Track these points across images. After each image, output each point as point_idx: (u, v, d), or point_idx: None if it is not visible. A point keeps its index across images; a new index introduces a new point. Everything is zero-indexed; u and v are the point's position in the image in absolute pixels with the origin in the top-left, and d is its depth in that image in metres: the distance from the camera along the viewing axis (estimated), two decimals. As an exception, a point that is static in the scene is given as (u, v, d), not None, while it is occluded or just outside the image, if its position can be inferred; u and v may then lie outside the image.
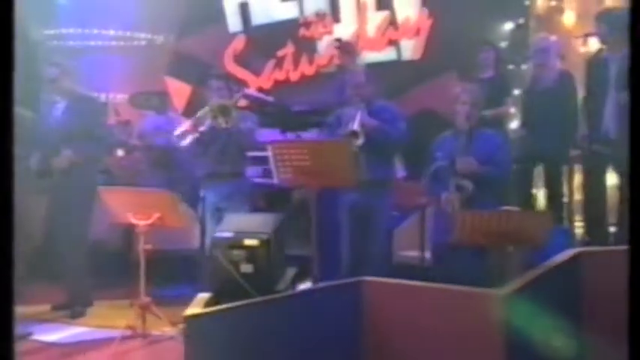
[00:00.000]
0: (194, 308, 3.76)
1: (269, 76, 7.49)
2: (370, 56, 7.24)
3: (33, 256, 5.56)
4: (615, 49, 4.97)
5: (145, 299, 4.48)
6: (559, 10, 6.51)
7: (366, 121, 4.60)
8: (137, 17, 7.49)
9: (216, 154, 5.02)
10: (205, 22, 7.73)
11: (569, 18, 6.43)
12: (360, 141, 4.43)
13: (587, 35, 5.11)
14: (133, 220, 4.47)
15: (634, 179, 2.20)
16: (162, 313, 4.55)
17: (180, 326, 4.51)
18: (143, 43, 7.69)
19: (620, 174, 5.01)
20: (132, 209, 4.46)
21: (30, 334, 4.66)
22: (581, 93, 5.36)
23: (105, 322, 5.00)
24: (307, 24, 7.45)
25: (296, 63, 7.45)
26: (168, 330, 4.56)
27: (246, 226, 4.09)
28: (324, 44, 7.46)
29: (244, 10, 7.69)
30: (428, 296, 3.62)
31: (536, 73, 5.48)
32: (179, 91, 7.70)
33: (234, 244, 3.95)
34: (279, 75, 7.47)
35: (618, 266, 3.59)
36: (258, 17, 7.66)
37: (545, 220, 3.80)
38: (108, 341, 4.54)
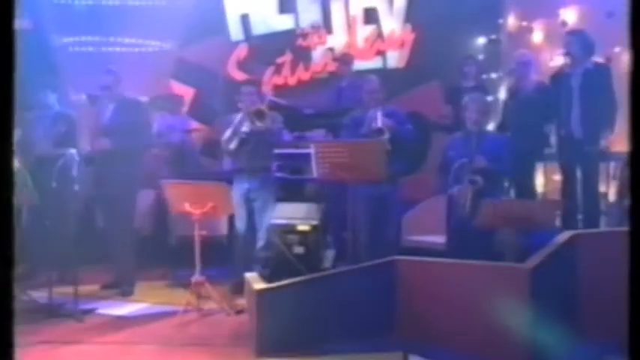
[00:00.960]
0: (259, 284, 4.22)
1: (269, 80, 7.97)
2: (358, 64, 7.78)
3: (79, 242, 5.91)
4: (578, 64, 5.60)
5: (200, 278, 4.94)
6: (529, 29, 7.18)
7: (384, 121, 5.14)
8: (148, 26, 7.83)
9: (249, 151, 5.46)
10: (208, 31, 8.10)
11: (537, 36, 7.12)
12: (386, 136, 4.96)
13: (565, 54, 5.70)
14: (189, 209, 4.92)
15: (634, 178, 2.46)
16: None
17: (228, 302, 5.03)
18: (150, 49, 8.03)
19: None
20: (189, 199, 4.91)
21: (95, 309, 5.07)
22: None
23: (154, 299, 5.45)
24: (304, 35, 7.97)
25: (293, 70, 7.97)
26: (218, 305, 5.02)
27: (296, 214, 4.57)
28: (318, 53, 8.00)
29: (245, 20, 8.13)
30: (456, 271, 4.20)
31: (517, 83, 6.07)
32: (183, 94, 8.08)
33: (289, 229, 4.43)
34: (278, 80, 7.97)
35: (604, 245, 4.24)
36: (257, 27, 8.12)
37: (553, 207, 4.44)
38: (162, 315, 5.01)
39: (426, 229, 5.69)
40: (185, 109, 8.00)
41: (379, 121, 5.04)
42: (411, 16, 7.79)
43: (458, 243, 4.86)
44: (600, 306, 4.11)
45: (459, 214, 4.78)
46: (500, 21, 7.43)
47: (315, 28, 7.95)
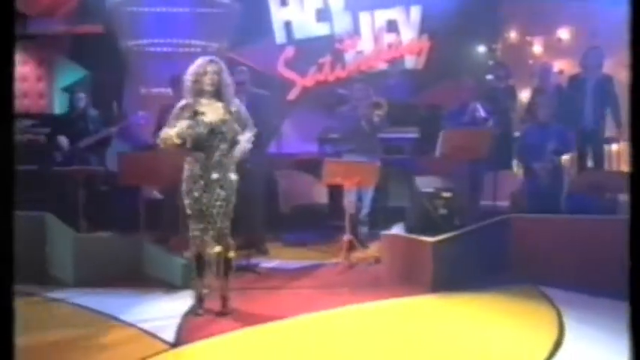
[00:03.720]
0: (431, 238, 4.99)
1: (311, 77, 8.68)
2: (382, 65, 8.68)
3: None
4: (591, 72, 6.78)
5: (350, 237, 5.65)
6: (530, 42, 8.33)
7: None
8: (202, 29, 8.34)
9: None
10: (256, 35, 8.68)
11: (537, 49, 8.28)
12: (491, 123, 5.91)
13: (581, 64, 6.83)
14: (341, 182, 5.64)
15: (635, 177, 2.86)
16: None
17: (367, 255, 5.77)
18: (201, 49, 8.44)
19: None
20: (341, 174, 5.63)
21: (258, 263, 5.65)
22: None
23: (287, 256, 6.11)
24: (340, 40, 8.73)
25: (332, 68, 8.70)
26: (362, 258, 5.74)
27: (435, 184, 5.38)
28: (350, 55, 8.78)
29: (288, 27, 8.78)
30: (564, 224, 5.17)
31: (541, 86, 7.19)
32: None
33: (435, 195, 5.25)
34: (320, 77, 8.69)
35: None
36: (298, 33, 8.79)
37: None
38: (313, 267, 5.67)
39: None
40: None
41: (482, 111, 5.98)
42: (426, 27, 8.70)
43: (536, 205, 5.89)
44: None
45: (539, 184, 5.83)
46: (504, 34, 8.54)
47: (349, 34, 8.74)
